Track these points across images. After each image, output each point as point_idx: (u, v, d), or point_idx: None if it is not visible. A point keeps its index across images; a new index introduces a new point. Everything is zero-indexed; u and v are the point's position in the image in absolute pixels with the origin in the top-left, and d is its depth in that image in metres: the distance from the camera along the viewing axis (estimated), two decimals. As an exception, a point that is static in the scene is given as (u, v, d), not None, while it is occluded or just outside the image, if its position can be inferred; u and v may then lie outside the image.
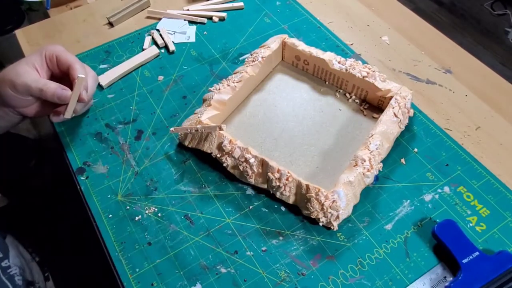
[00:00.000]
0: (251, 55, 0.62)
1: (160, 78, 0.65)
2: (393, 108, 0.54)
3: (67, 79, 0.52)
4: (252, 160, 0.50)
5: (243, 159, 0.50)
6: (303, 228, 0.50)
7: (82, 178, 0.54)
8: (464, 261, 0.44)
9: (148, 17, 0.75)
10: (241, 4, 0.75)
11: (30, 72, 0.50)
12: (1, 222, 0.71)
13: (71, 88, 0.51)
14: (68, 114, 0.51)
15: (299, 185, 0.48)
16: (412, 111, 0.57)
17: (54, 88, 0.50)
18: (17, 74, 0.50)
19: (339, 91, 0.61)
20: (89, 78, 0.53)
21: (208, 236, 0.49)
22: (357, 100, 0.60)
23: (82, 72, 0.51)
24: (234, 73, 0.60)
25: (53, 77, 0.54)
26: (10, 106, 0.52)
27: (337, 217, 0.47)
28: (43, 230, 0.69)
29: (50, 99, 0.50)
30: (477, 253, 0.45)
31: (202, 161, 0.55)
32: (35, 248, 0.64)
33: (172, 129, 0.55)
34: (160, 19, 0.73)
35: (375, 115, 0.58)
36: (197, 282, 0.46)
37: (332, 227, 0.48)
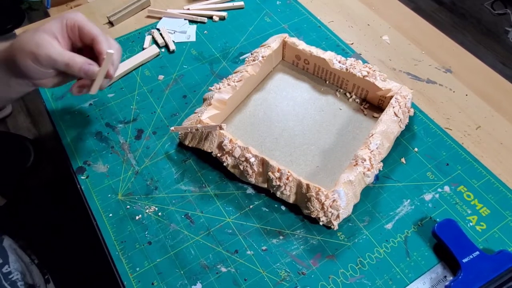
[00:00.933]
0: (251, 54, 0.62)
1: (161, 77, 0.65)
2: (393, 107, 0.54)
3: (87, 49, 0.49)
4: (252, 160, 0.50)
5: (243, 159, 0.50)
6: (304, 228, 0.50)
7: (82, 177, 0.54)
8: (464, 260, 0.44)
9: (149, 16, 0.74)
10: (241, 3, 0.75)
11: (53, 43, 0.46)
12: None
13: (95, 60, 0.48)
14: (94, 90, 0.48)
15: (299, 185, 0.48)
16: (412, 110, 0.57)
17: (81, 63, 0.46)
18: (37, 45, 0.45)
19: (340, 91, 0.61)
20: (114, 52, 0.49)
21: (209, 235, 0.49)
22: (357, 100, 0.60)
23: (108, 46, 0.48)
24: (235, 73, 0.60)
25: (73, 48, 0.50)
26: (28, 77, 0.48)
27: (338, 216, 0.47)
28: (42, 230, 0.69)
29: (76, 74, 0.47)
30: (477, 252, 0.45)
31: (203, 160, 0.55)
32: (33, 250, 0.64)
33: (172, 128, 0.55)
34: (160, 18, 0.73)
35: (376, 115, 0.58)
36: (198, 281, 0.46)
37: (332, 227, 0.48)
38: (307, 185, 0.47)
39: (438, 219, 0.50)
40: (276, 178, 0.49)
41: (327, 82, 0.62)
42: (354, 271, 0.47)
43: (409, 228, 0.49)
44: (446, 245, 0.46)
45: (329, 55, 0.60)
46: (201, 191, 0.53)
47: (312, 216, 0.48)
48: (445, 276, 0.46)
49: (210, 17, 0.74)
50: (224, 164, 0.52)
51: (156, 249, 0.48)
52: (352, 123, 0.58)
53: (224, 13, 0.73)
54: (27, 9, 1.84)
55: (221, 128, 0.50)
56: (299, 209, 0.50)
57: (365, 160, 0.49)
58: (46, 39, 0.46)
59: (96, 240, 0.51)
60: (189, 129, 0.53)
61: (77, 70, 0.47)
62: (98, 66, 0.48)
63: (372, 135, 0.51)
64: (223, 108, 0.56)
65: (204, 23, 0.73)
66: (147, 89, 0.63)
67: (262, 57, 0.59)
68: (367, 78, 0.57)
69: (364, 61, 0.66)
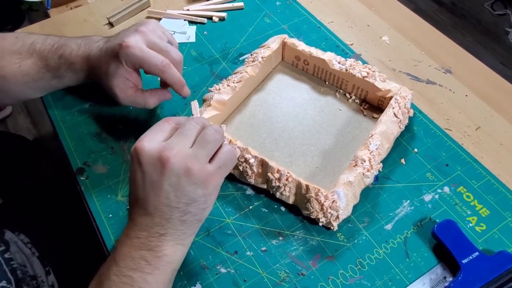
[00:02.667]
0: (251, 55, 0.62)
1: (160, 78, 0.65)
2: (393, 108, 0.54)
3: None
4: (252, 160, 0.50)
5: (243, 159, 0.50)
6: (303, 228, 0.50)
7: (82, 178, 0.54)
8: (464, 261, 0.44)
9: (148, 17, 0.74)
10: (241, 4, 0.75)
11: (126, 91, 0.52)
12: None
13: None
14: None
15: (299, 185, 0.48)
16: (412, 111, 0.57)
17: (156, 101, 0.54)
18: (114, 93, 0.52)
19: (339, 91, 0.61)
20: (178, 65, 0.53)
21: (208, 236, 0.49)
22: (357, 100, 0.60)
23: (172, 78, 0.52)
24: (234, 73, 0.60)
25: None
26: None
27: (337, 217, 0.47)
28: (43, 229, 0.69)
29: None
30: (477, 253, 0.45)
31: (202, 161, 0.55)
32: (33, 244, 0.64)
33: (172, 129, 0.55)
34: (160, 19, 0.73)
35: (375, 115, 0.58)
36: (197, 282, 0.46)
37: (332, 227, 0.48)
38: (307, 186, 0.47)
39: (437, 220, 0.50)
40: (276, 179, 0.49)
41: (327, 82, 0.62)
42: (354, 272, 0.47)
43: (409, 229, 0.49)
44: (445, 246, 0.46)
45: (328, 56, 0.60)
46: (201, 192, 0.53)
47: (311, 217, 0.48)
48: (445, 277, 0.46)
49: (209, 18, 0.74)
50: (224, 165, 0.52)
51: (155, 250, 0.48)
52: (352, 123, 0.58)
53: (223, 14, 0.73)
54: (27, 10, 1.84)
55: (220, 129, 0.50)
56: (299, 210, 0.50)
57: (364, 161, 0.49)
58: (117, 86, 0.52)
59: (96, 240, 0.51)
60: (189, 130, 0.53)
61: (154, 104, 0.55)
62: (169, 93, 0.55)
63: (371, 135, 0.51)
64: (223, 109, 0.56)
65: (203, 23, 0.73)
66: (147, 90, 0.63)
67: (262, 58, 0.59)
68: (366, 79, 0.57)
69: (364, 62, 0.66)
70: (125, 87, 0.52)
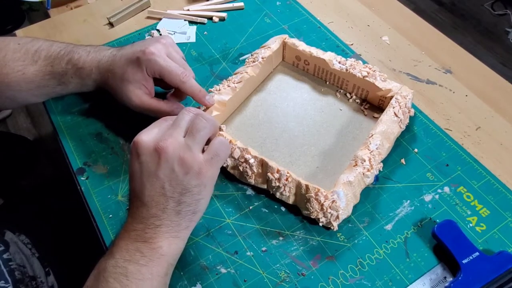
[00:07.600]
0: (251, 55, 0.62)
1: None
2: (393, 107, 0.54)
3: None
4: (252, 161, 0.50)
5: (243, 160, 0.50)
6: (303, 228, 0.50)
7: (82, 178, 0.54)
8: (464, 261, 0.44)
9: (148, 17, 0.75)
10: (241, 4, 0.75)
11: (141, 97, 0.53)
12: None
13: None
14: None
15: (298, 185, 0.48)
16: (412, 110, 0.57)
17: (169, 111, 0.53)
18: (129, 98, 0.53)
19: (340, 91, 0.61)
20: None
21: (208, 236, 0.49)
22: (357, 100, 0.60)
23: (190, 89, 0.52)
24: (235, 74, 0.60)
25: None
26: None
27: (337, 217, 0.47)
28: (43, 229, 0.69)
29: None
30: (477, 253, 0.45)
31: (202, 161, 0.55)
32: (33, 244, 0.65)
33: (172, 129, 0.55)
34: (160, 19, 0.73)
35: (376, 115, 0.58)
36: (197, 283, 0.46)
37: (332, 227, 0.48)
38: (306, 186, 0.47)
39: (438, 220, 0.50)
40: (276, 179, 0.49)
41: (327, 82, 0.62)
42: (354, 272, 0.47)
43: (409, 229, 0.49)
44: (446, 246, 0.46)
45: (329, 56, 0.60)
46: (201, 192, 0.53)
47: (311, 217, 0.48)
48: (445, 277, 0.46)
49: (210, 18, 0.74)
50: (224, 165, 0.52)
51: (156, 250, 0.48)
52: (352, 123, 0.58)
53: (224, 14, 0.73)
54: (27, 10, 1.84)
55: (220, 129, 0.50)
56: (299, 210, 0.50)
57: (364, 161, 0.49)
58: (135, 93, 0.53)
59: (96, 241, 0.51)
60: (189, 130, 0.53)
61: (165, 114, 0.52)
62: (180, 103, 0.55)
63: (372, 135, 0.51)
64: (223, 109, 0.56)
65: (204, 24, 0.73)
66: (147, 90, 0.63)
67: (262, 58, 0.59)
68: (367, 79, 0.57)
69: (364, 62, 0.66)
70: (141, 93, 0.53)
